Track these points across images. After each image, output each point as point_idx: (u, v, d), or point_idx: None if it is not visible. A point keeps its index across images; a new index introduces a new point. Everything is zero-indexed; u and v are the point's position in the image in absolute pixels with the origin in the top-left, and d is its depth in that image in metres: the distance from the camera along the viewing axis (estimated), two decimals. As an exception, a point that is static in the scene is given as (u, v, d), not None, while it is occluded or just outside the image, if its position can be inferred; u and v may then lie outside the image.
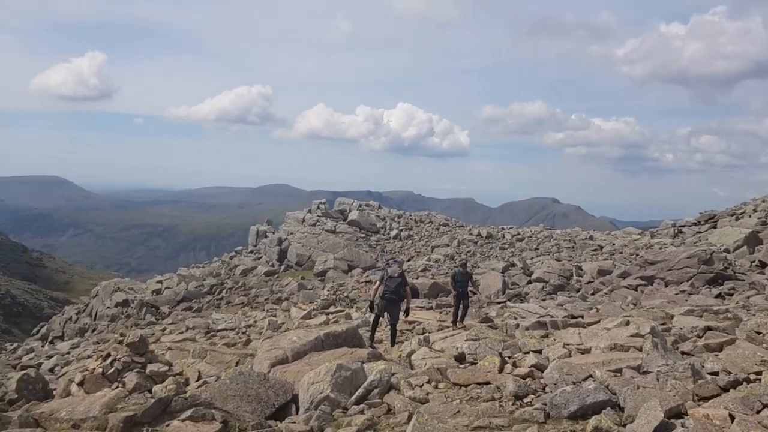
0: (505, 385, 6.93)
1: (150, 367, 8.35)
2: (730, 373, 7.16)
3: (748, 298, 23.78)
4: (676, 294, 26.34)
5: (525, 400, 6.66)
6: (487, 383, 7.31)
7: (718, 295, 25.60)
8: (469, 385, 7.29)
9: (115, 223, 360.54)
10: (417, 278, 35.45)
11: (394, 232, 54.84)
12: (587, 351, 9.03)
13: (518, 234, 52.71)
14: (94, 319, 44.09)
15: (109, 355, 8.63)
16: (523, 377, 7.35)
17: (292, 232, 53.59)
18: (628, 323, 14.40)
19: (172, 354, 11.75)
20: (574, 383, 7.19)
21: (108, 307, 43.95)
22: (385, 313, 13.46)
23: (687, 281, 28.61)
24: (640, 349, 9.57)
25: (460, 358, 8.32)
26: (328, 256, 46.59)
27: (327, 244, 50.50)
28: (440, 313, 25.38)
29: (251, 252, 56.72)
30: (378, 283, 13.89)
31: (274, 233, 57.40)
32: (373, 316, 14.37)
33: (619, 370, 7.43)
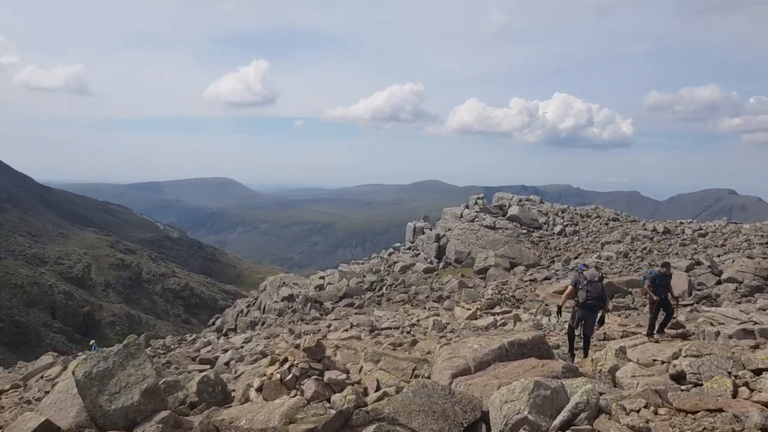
0: (747, 415, 5.58)
1: (327, 375, 7.93)
2: None
3: None
4: None
5: (775, 436, 5.32)
6: (720, 410, 5.99)
7: None
8: (698, 412, 6.01)
9: (278, 221, 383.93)
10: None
11: (558, 228, 52.31)
12: None
13: (700, 229, 48.02)
14: (263, 313, 46.39)
15: (286, 359, 8.36)
16: (767, 405, 5.95)
17: (449, 228, 52.90)
18: None
19: (342, 355, 11.42)
20: None
21: (275, 301, 46.01)
22: (582, 322, 12.46)
23: None
24: None
25: (679, 378, 7.01)
26: (488, 253, 45.32)
27: (486, 240, 49.24)
28: (619, 316, 23.38)
29: (409, 248, 56.82)
30: (571, 287, 12.87)
31: (431, 229, 57.10)
32: (560, 320, 13.46)
33: None
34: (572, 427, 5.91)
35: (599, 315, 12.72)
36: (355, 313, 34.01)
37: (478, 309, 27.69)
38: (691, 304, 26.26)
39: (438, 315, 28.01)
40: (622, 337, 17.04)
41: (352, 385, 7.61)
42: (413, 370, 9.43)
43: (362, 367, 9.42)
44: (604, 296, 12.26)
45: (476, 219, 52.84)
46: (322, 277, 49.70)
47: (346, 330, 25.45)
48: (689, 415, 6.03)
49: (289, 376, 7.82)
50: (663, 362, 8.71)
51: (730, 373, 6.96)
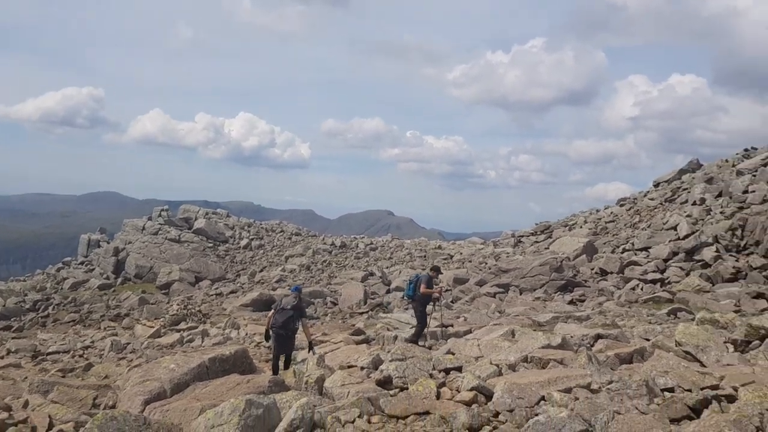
0: (454, 416, 5.81)
1: (-19, 416, 6.16)
2: (688, 390, 6.58)
3: (601, 303, 24.91)
4: (533, 300, 27.04)
5: (481, 434, 5.60)
6: (428, 413, 6.16)
7: (570, 302, 26.65)
8: (408, 416, 6.10)
9: None
10: (274, 290, 33.66)
11: (244, 242, 52.32)
12: (513, 367, 8.21)
13: (371, 243, 52.52)
14: None
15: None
16: (468, 403, 6.29)
17: (130, 241, 49.19)
18: (513, 333, 14.03)
19: (-1, 388, 9.27)
20: (527, 407, 6.25)
21: None
22: (281, 350, 12.10)
23: (540, 288, 29.58)
24: (561, 362, 8.93)
25: (386, 383, 7.10)
26: (172, 267, 43.18)
27: (171, 254, 46.92)
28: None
29: (82, 263, 51.32)
30: (272, 312, 12.49)
31: (108, 242, 52.39)
32: (269, 344, 12.85)
33: (569, 390, 6.61)
34: (288, 449, 5.47)
35: (293, 345, 12.58)
36: (13, 338, 29.11)
37: (162, 326, 25.91)
38: (367, 312, 28.25)
39: (116, 335, 25.45)
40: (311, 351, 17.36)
41: (16, 425, 6.04)
42: (94, 399, 8.05)
43: (27, 400, 7.71)
44: (290, 325, 11.95)
45: (160, 232, 50.06)
46: (-31, 298, 41.78)
47: (2, 357, 21.48)
48: (401, 420, 6.07)
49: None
50: (363, 368, 8.83)
51: (431, 374, 7.27)
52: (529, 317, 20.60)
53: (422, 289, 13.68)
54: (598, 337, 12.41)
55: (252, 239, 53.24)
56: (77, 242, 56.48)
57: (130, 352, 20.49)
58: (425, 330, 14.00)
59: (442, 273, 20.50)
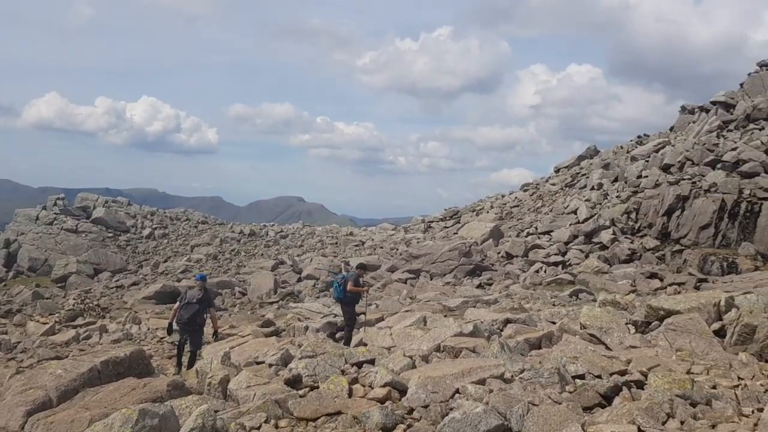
0: (367, 416, 5.55)
1: None
2: (598, 376, 6.62)
3: (507, 287, 25.53)
4: (443, 285, 27.38)
5: (396, 434, 5.37)
6: (339, 413, 5.86)
7: (479, 285, 27.18)
8: (318, 418, 5.77)
9: None
10: (179, 281, 32.39)
11: (147, 231, 50.13)
12: (426, 358, 8.05)
13: (282, 231, 51.67)
14: None
15: None
16: (381, 401, 6.04)
17: (23, 232, 46.04)
18: (425, 321, 14.01)
19: None
20: (442, 402, 6.08)
21: None
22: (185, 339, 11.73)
23: (450, 273, 29.98)
24: (473, 350, 8.89)
25: (296, 382, 6.73)
26: (69, 259, 40.73)
27: (67, 245, 44.32)
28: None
29: (-33, 257, 47.53)
30: (177, 304, 12.09)
31: (-2, 234, 48.84)
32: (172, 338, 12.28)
33: (483, 381, 6.52)
34: (186, 463, 5.03)
35: (201, 339, 12.29)
36: None
37: (56, 322, 24.28)
38: (277, 301, 27.68)
39: (6, 333, 23.60)
40: (216, 341, 16.69)
41: None
42: (-30, 412, 7.23)
43: None
44: (197, 320, 11.67)
45: (56, 222, 47.15)
46: None
47: None
48: (310, 423, 5.77)
49: None
50: (271, 365, 8.42)
51: (343, 371, 6.98)
52: (440, 302, 20.79)
53: (350, 287, 13.23)
54: (507, 321, 12.55)
55: (155, 228, 51.08)
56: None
57: (21, 352, 18.96)
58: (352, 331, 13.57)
59: (368, 271, 20.14)
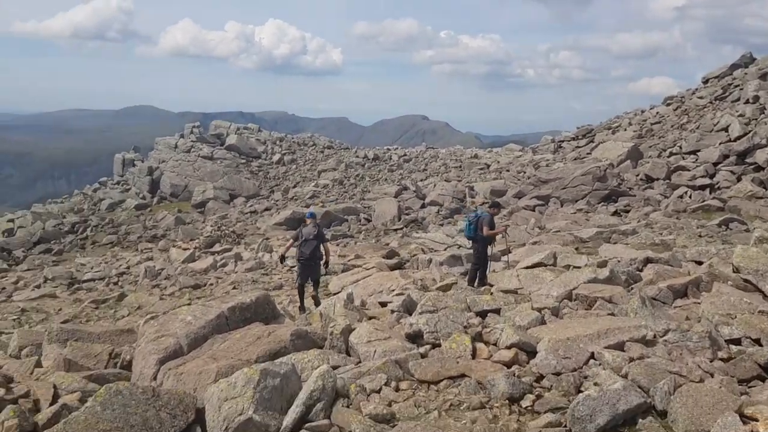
0: (492, 383, 5.14)
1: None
2: (757, 341, 5.77)
3: (647, 214, 23.74)
4: (575, 213, 26.02)
5: (523, 404, 4.95)
6: (463, 375, 5.52)
7: (615, 213, 25.54)
8: (440, 381, 5.47)
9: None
10: (307, 206, 33.29)
11: (276, 157, 51.84)
12: (557, 312, 7.48)
13: (405, 155, 51.49)
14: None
15: None
16: (508, 364, 5.63)
17: (163, 159, 49.15)
18: (555, 257, 13.18)
19: (21, 335, 8.91)
20: (575, 369, 5.54)
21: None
22: (308, 277, 12.23)
23: (582, 199, 28.47)
24: (609, 300, 8.17)
25: (416, 337, 6.49)
26: (206, 185, 43.12)
27: (204, 171, 46.84)
28: (338, 245, 23.54)
29: (118, 183, 51.69)
30: (291, 241, 12.65)
31: (143, 161, 52.48)
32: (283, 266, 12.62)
33: (621, 345, 5.87)
34: (307, 425, 4.91)
35: (320, 270, 12.76)
36: (53, 262, 29.61)
37: (196, 248, 25.91)
38: (401, 228, 27.70)
39: (151, 259, 25.57)
40: (343, 272, 16.94)
41: (16, 401, 5.57)
42: (110, 354, 7.68)
43: (39, 360, 7.33)
44: (317, 254, 12.09)
45: (193, 149, 49.82)
46: (11, 221, 42.57)
47: (38, 286, 21.69)
48: (432, 386, 5.45)
49: None
50: (393, 311, 8.23)
51: (465, 327, 6.60)
52: (572, 233, 19.62)
53: (485, 231, 12.16)
54: (648, 261, 11.54)
55: (284, 154, 52.67)
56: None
57: (164, 279, 20.45)
58: (486, 271, 12.50)
59: (503, 208, 18.84)
